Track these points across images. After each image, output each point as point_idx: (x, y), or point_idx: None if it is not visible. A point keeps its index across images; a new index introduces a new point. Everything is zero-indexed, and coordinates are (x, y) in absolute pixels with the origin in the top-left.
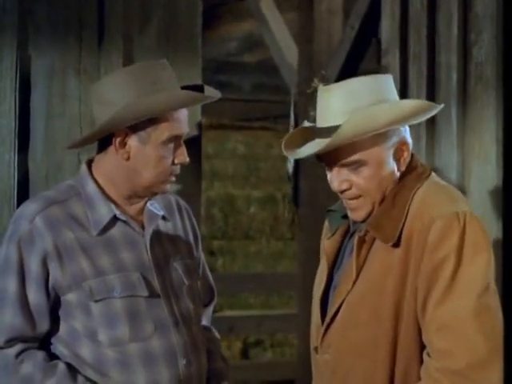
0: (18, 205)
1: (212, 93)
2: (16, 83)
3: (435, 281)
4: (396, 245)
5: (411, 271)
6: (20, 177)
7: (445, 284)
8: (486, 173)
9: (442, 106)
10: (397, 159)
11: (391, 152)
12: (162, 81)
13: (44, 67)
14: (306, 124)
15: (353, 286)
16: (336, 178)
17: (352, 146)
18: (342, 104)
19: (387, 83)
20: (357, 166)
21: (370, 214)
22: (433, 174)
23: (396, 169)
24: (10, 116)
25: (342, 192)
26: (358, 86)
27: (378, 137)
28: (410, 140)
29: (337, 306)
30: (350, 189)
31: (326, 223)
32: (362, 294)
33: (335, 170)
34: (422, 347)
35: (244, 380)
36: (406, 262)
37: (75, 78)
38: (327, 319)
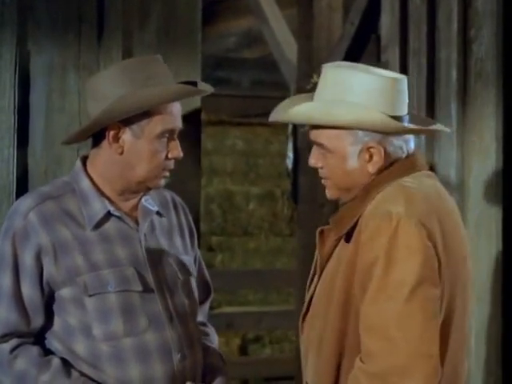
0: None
1: (205, 87)
2: (15, 79)
3: (367, 281)
4: (349, 241)
5: (356, 269)
6: (19, 172)
7: (374, 286)
8: (485, 169)
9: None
10: (364, 160)
11: (356, 151)
12: (155, 75)
13: (43, 63)
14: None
15: (318, 279)
16: (312, 154)
17: (320, 131)
18: (332, 88)
19: (400, 87)
20: (324, 150)
21: (337, 197)
22: (416, 174)
23: (363, 169)
24: (10, 112)
25: (316, 169)
26: (355, 80)
27: (342, 131)
28: (392, 147)
29: (309, 297)
30: (320, 167)
31: None
32: (322, 287)
33: (314, 146)
34: None
35: (243, 376)
36: (354, 258)
37: (75, 74)
38: (303, 312)
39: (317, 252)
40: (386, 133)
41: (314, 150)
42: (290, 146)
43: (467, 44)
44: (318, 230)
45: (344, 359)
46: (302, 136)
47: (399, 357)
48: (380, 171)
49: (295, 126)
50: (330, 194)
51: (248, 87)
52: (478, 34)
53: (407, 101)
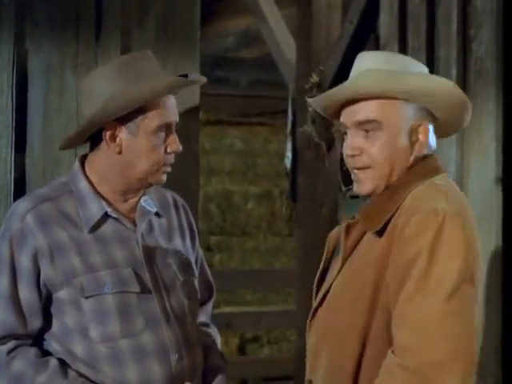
0: (15, 201)
1: (196, 77)
2: (13, 78)
3: (407, 277)
4: (380, 236)
5: (388, 265)
6: (17, 172)
7: (415, 281)
8: (485, 168)
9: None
10: (411, 140)
11: (407, 127)
12: (146, 71)
13: (41, 62)
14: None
15: (338, 273)
16: (350, 141)
17: (372, 104)
18: (375, 63)
19: (422, 66)
20: (372, 127)
21: (374, 189)
22: (443, 175)
23: (409, 150)
24: (7, 111)
25: (353, 157)
26: (401, 57)
27: (399, 104)
28: (431, 131)
29: (324, 291)
30: (360, 155)
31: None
32: (345, 281)
33: (351, 131)
34: (391, 342)
35: (241, 376)
36: (387, 255)
37: (73, 73)
38: (315, 303)
39: (328, 247)
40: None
41: (354, 134)
42: (289, 145)
43: (467, 43)
44: (344, 224)
45: (366, 354)
46: (300, 136)
47: (438, 353)
48: (410, 166)
49: (294, 126)
50: (365, 186)
51: (246, 87)
52: (477, 33)
53: None
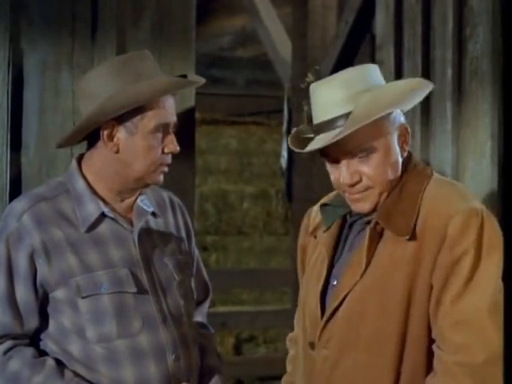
0: (11, 200)
1: (195, 78)
2: (8, 77)
3: (453, 276)
4: (409, 238)
5: (424, 266)
6: (13, 172)
7: (463, 279)
8: (481, 168)
9: (433, 84)
10: (400, 144)
11: (396, 136)
12: (145, 71)
13: (37, 61)
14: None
15: (360, 278)
16: (346, 171)
17: (362, 133)
18: (339, 94)
19: (375, 70)
20: (367, 153)
21: (375, 206)
22: (431, 169)
23: (400, 155)
24: (3, 110)
25: (354, 185)
26: (349, 76)
27: (384, 120)
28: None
29: (340, 299)
30: (360, 181)
31: (306, 219)
32: (369, 287)
33: (344, 162)
34: (430, 343)
35: (237, 376)
36: (419, 256)
37: (68, 72)
38: (328, 313)
39: (329, 253)
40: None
41: (348, 164)
42: (285, 145)
43: (462, 43)
44: (369, 230)
45: (406, 353)
46: None
47: (495, 347)
48: (403, 165)
49: (289, 125)
50: (369, 205)
51: (242, 86)
52: (473, 33)
53: None
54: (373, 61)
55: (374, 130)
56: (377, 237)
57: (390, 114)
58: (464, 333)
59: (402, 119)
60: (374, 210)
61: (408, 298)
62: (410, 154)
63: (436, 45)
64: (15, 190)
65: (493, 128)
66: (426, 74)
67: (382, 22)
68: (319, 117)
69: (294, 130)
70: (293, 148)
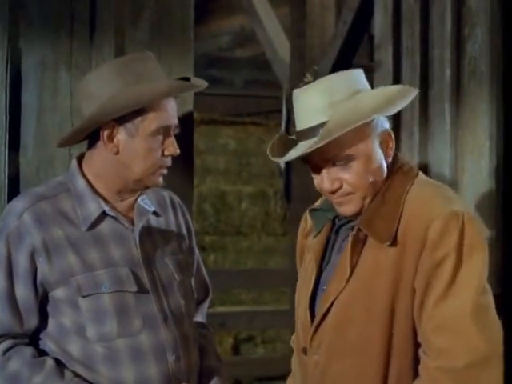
0: (9, 200)
1: (198, 82)
2: (7, 77)
3: (435, 279)
4: (390, 243)
5: (406, 270)
6: (11, 171)
7: (445, 283)
8: (479, 168)
9: (417, 91)
10: (383, 149)
11: (377, 143)
12: (147, 72)
13: (35, 61)
14: (283, 133)
15: (346, 284)
16: (327, 178)
17: (340, 142)
18: (320, 101)
19: (359, 76)
20: (346, 161)
21: (360, 209)
22: (420, 172)
23: (384, 160)
24: (1, 110)
25: (334, 192)
26: (332, 82)
27: (365, 128)
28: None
29: (328, 304)
30: (341, 187)
31: (303, 222)
32: (355, 292)
33: (324, 170)
34: (416, 347)
35: (235, 376)
36: (401, 261)
37: (66, 72)
38: (317, 318)
39: (317, 259)
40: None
41: (328, 172)
42: None
43: (461, 42)
44: (353, 236)
45: (392, 359)
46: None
47: (479, 350)
48: (388, 168)
49: (288, 126)
50: (351, 208)
51: (241, 86)
52: (471, 33)
53: None
54: (371, 61)
55: (354, 137)
56: (360, 242)
57: (371, 121)
58: (446, 337)
59: (386, 125)
60: (359, 212)
61: (392, 302)
62: (395, 155)
63: (434, 45)
64: (13, 190)
65: (491, 128)
66: (425, 73)
67: (381, 22)
68: (301, 124)
69: (275, 137)
70: (270, 156)
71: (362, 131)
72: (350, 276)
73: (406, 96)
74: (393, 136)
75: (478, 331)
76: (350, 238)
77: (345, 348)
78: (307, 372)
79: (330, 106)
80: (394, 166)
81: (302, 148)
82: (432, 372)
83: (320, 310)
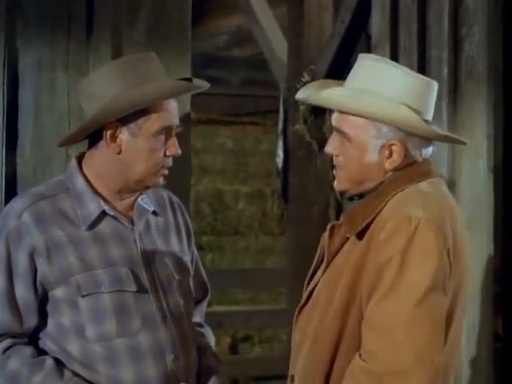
0: (6, 200)
1: (200, 83)
2: (4, 77)
3: (377, 281)
4: (360, 239)
5: (365, 268)
6: (8, 172)
7: (385, 286)
8: (477, 168)
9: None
10: (383, 156)
11: (378, 146)
12: (150, 73)
13: (32, 61)
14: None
15: (323, 273)
16: (332, 141)
17: (346, 118)
18: (368, 82)
19: (426, 91)
20: (345, 139)
21: (345, 189)
22: (432, 180)
23: (380, 165)
24: None
25: (333, 160)
26: (398, 78)
27: (368, 123)
28: (413, 149)
29: (310, 290)
30: (337, 156)
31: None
32: (327, 281)
33: (334, 133)
34: None
35: (233, 375)
36: (364, 258)
37: (63, 72)
38: (301, 303)
39: (321, 247)
40: (410, 133)
41: (334, 136)
42: (280, 144)
43: (458, 42)
44: (329, 225)
45: (339, 356)
46: (292, 135)
47: (402, 360)
48: (395, 170)
49: (285, 125)
50: (339, 184)
51: (238, 86)
52: (468, 32)
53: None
54: None
55: (355, 122)
56: (341, 235)
57: (379, 124)
58: (375, 340)
59: (395, 138)
60: (345, 192)
61: (349, 296)
62: (415, 162)
63: (432, 44)
64: (10, 190)
65: (488, 128)
66: (422, 73)
67: (378, 22)
68: (351, 78)
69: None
70: (302, 92)
71: (364, 124)
72: (327, 266)
73: (416, 128)
74: (402, 150)
75: (408, 343)
76: (328, 227)
77: (309, 334)
78: (292, 348)
79: (367, 89)
80: (406, 169)
81: (314, 94)
82: (355, 369)
83: (303, 296)
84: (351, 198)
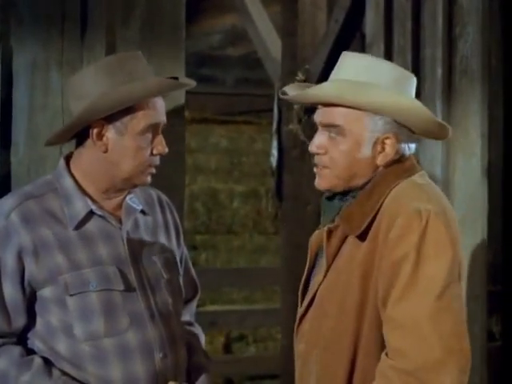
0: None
1: (187, 81)
2: None
3: (395, 279)
4: (363, 238)
5: (376, 267)
6: (2, 171)
7: (403, 282)
8: (471, 166)
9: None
10: (376, 150)
11: (372, 139)
12: (136, 71)
13: (26, 60)
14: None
15: (324, 277)
16: (317, 139)
17: (338, 110)
18: (359, 72)
19: (410, 82)
20: (336, 132)
21: (330, 187)
22: (420, 173)
23: (371, 159)
24: None
25: (317, 154)
26: (388, 68)
27: (364, 115)
28: (403, 143)
29: (310, 297)
30: (324, 154)
31: None
32: (331, 286)
33: (320, 130)
34: (383, 345)
35: (226, 375)
36: (372, 257)
37: (57, 71)
38: (301, 310)
39: (310, 251)
40: (404, 125)
41: (321, 133)
42: (275, 144)
43: (452, 41)
44: (326, 229)
45: (359, 356)
46: (286, 134)
47: (433, 353)
48: (385, 166)
49: (280, 124)
50: (324, 182)
51: (232, 85)
52: (463, 31)
53: None
54: None
55: (351, 114)
56: (339, 237)
57: (374, 115)
58: (401, 338)
59: (395, 130)
60: (329, 189)
61: (362, 298)
62: (400, 158)
63: (426, 43)
64: (4, 189)
65: (482, 127)
66: (416, 72)
67: (372, 21)
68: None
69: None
70: (291, 91)
71: (360, 117)
72: (328, 269)
73: (421, 121)
74: (395, 145)
75: (434, 334)
76: (325, 230)
77: (319, 340)
78: (296, 360)
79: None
80: (394, 165)
81: (299, 90)
82: (385, 369)
83: (304, 302)
84: (330, 198)
